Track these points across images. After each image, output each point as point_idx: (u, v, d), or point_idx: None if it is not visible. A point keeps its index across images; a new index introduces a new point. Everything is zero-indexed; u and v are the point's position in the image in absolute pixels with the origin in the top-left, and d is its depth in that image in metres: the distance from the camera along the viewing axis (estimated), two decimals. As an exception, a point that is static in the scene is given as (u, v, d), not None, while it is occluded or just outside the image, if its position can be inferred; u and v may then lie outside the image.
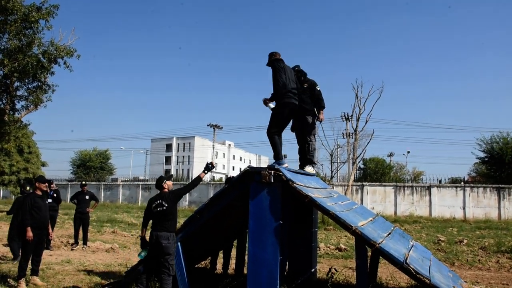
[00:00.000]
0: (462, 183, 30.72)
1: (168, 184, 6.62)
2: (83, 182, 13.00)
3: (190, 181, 37.07)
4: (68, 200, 24.55)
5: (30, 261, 7.49)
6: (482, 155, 35.75)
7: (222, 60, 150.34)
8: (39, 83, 19.10)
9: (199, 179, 6.66)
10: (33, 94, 19.25)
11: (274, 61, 7.00)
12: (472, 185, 28.85)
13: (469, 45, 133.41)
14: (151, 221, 6.47)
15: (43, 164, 32.22)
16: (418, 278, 5.07)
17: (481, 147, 35.26)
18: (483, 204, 26.65)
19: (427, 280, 5.02)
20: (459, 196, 27.13)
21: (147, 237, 6.49)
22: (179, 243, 6.45)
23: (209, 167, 6.78)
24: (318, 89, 7.80)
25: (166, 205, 6.31)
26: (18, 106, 20.22)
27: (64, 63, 18.31)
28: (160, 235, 6.21)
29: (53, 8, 17.40)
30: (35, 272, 7.62)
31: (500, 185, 27.22)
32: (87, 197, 12.39)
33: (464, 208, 26.72)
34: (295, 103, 6.88)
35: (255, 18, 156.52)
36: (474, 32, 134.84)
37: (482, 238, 15.37)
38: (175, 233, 6.41)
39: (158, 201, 6.37)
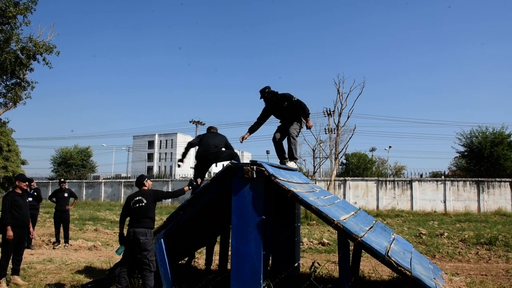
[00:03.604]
0: (443, 177, 31.16)
1: (149, 183, 6.73)
2: (62, 180, 12.85)
3: (173, 178, 36.86)
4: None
5: (11, 261, 7.40)
6: (462, 149, 36.35)
7: (204, 56, 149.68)
8: (18, 80, 18.79)
9: (182, 191, 6.85)
10: (11, 91, 18.92)
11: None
12: (452, 179, 29.26)
13: (447, 38, 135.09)
14: (128, 218, 6.49)
15: (23, 162, 31.78)
16: (399, 270, 5.14)
17: (461, 141, 35.85)
18: (463, 198, 27.06)
19: (408, 272, 5.09)
20: (440, 190, 27.49)
21: (126, 234, 6.50)
22: (162, 240, 6.44)
23: (193, 185, 6.95)
24: (295, 99, 7.86)
25: (145, 201, 6.36)
26: (-4, 103, 19.86)
27: (44, 59, 18.02)
28: (137, 231, 6.23)
29: (31, 3, 17.09)
30: (16, 271, 7.53)
31: (480, 179, 27.66)
32: (66, 194, 12.23)
33: (444, 202, 27.09)
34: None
35: (236, 15, 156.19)
36: (453, 24, 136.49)
37: (462, 231, 15.63)
38: (155, 230, 6.42)
39: (138, 198, 6.41)
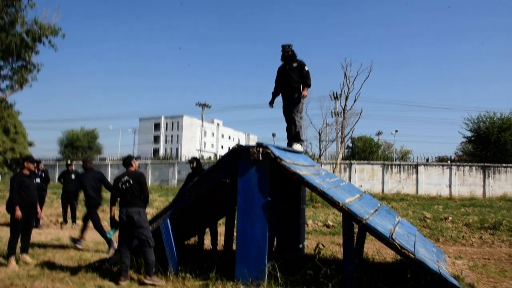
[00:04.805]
0: (449, 161, 31.06)
1: (136, 164, 6.83)
2: (68, 162, 12.91)
3: (179, 160, 36.93)
4: (56, 179, 24.43)
5: (19, 240, 7.52)
6: (468, 134, 36.03)
7: (210, 42, 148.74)
8: (24, 63, 18.79)
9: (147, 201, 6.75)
10: (17, 73, 18.94)
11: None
12: (458, 163, 29.20)
13: (456, 30, 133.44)
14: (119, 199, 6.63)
15: (30, 144, 31.88)
16: (403, 253, 5.18)
17: (468, 126, 35.51)
18: (468, 183, 27.04)
19: (411, 255, 5.13)
20: (445, 174, 27.46)
21: (116, 216, 6.65)
22: (168, 220, 6.51)
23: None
24: (307, 69, 8.01)
25: (132, 182, 6.45)
26: (2, 86, 19.92)
27: (49, 42, 17.99)
28: (130, 210, 6.36)
29: (35, -16, 17.01)
30: (25, 250, 7.65)
31: (486, 164, 27.59)
32: (73, 176, 12.28)
33: (450, 186, 27.09)
34: None
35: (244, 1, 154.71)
36: (460, 18, 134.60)
37: (467, 215, 15.65)
38: (161, 211, 6.51)
39: (125, 178, 6.51)
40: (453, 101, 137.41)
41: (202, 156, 50.77)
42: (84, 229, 9.13)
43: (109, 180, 9.29)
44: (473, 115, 37.93)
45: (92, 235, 10.78)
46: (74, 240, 9.01)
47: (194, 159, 8.96)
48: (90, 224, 8.96)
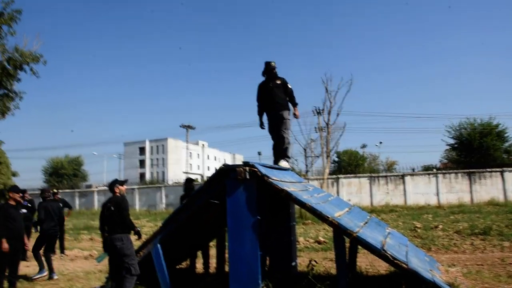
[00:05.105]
0: (435, 170, 31.35)
1: (120, 189, 6.73)
2: (55, 190, 12.79)
3: (166, 183, 36.65)
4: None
5: (7, 273, 7.36)
6: (451, 141, 36.63)
7: (192, 61, 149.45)
8: (5, 91, 18.63)
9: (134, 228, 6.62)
10: (-1, 102, 18.77)
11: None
12: (444, 171, 29.44)
13: (433, 32, 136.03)
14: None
15: (14, 174, 31.39)
16: (395, 263, 5.18)
17: (451, 133, 36.12)
18: (455, 190, 27.23)
19: (404, 265, 5.13)
20: (432, 183, 27.65)
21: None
22: (158, 245, 6.44)
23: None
24: (290, 87, 8.06)
25: (113, 208, 6.41)
26: (-16, 115, 19.67)
27: (31, 69, 17.90)
28: (113, 238, 6.34)
29: (16, 13, 16.98)
30: (12, 284, 7.49)
31: (471, 170, 27.84)
32: (60, 204, 12.17)
33: (437, 195, 27.24)
34: None
35: (226, 18, 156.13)
36: (436, 16, 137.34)
37: (457, 222, 15.75)
38: (151, 235, 6.45)
39: (108, 205, 6.50)
40: (434, 110, 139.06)
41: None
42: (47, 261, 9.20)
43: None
44: (455, 123, 38.49)
45: (81, 264, 10.63)
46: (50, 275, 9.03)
47: (188, 180, 9.03)
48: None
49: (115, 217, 6.37)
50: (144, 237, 6.92)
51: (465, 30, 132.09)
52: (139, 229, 6.63)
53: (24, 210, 10.32)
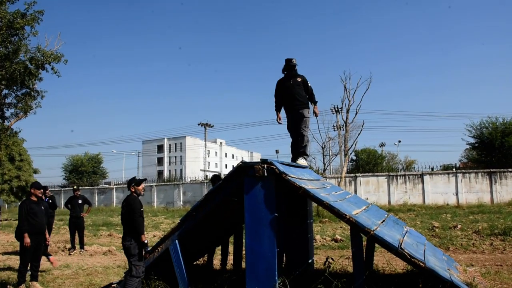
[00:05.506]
0: (454, 169, 30.95)
1: (137, 188, 6.68)
2: (75, 187, 13.01)
3: (183, 181, 36.91)
4: (62, 206, 24.51)
5: (29, 267, 7.53)
6: (472, 140, 36.06)
7: (213, 60, 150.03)
8: (28, 90, 18.93)
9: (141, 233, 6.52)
10: (22, 101, 19.05)
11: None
12: (464, 171, 29.04)
13: (454, 36, 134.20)
14: None
15: (35, 171, 31.99)
16: (413, 262, 5.16)
17: (471, 133, 35.56)
18: (475, 189, 26.88)
19: (422, 264, 5.11)
20: (451, 182, 27.33)
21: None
22: (176, 241, 6.51)
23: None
24: (310, 85, 8.00)
25: (125, 208, 6.48)
26: (7, 114, 20.01)
27: (52, 68, 18.15)
28: (123, 237, 6.47)
29: (38, 13, 17.22)
30: (34, 277, 7.66)
31: (491, 170, 27.44)
32: (80, 201, 12.41)
33: (457, 194, 26.93)
34: None
35: (245, 18, 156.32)
36: (459, 23, 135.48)
37: (476, 223, 15.57)
38: (169, 231, 6.50)
39: (123, 203, 6.56)
40: (454, 108, 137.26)
41: (207, 176, 50.73)
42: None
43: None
44: (475, 121, 37.93)
45: (100, 259, 10.80)
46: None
47: (216, 176, 9.02)
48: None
49: (125, 217, 6.44)
50: (161, 234, 6.99)
51: (483, 39, 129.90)
52: (146, 241, 6.48)
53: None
